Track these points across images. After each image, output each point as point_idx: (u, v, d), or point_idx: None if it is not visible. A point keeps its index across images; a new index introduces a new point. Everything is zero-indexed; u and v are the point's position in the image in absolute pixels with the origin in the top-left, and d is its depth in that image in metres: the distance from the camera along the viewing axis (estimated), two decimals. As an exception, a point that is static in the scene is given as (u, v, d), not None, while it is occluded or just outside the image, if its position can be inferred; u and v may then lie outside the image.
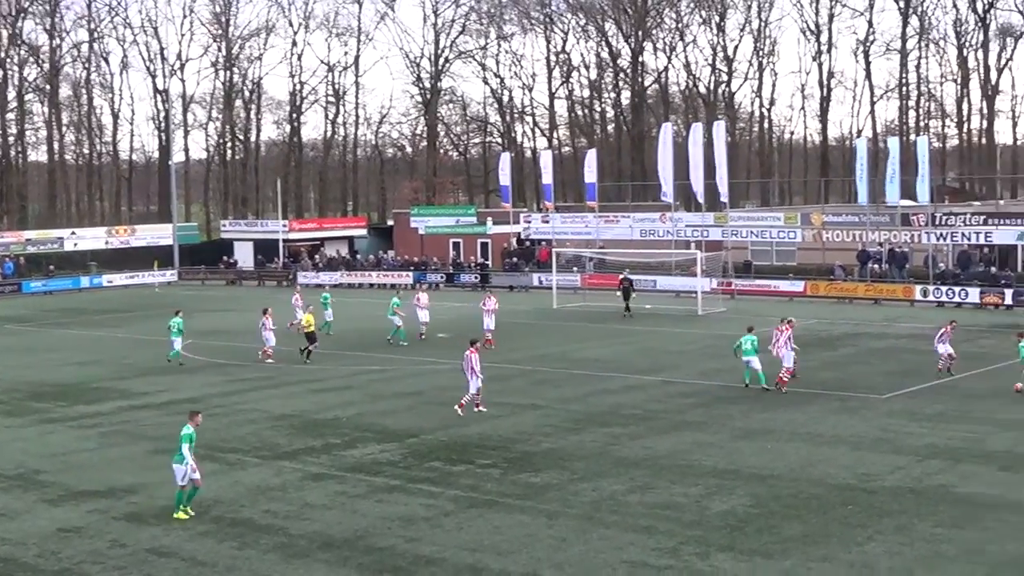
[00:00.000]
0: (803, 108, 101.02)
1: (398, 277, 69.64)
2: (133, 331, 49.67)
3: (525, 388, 32.59)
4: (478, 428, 26.86)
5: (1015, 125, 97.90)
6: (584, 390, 31.87)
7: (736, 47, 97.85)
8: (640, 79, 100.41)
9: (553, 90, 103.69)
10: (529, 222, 68.81)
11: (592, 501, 20.44)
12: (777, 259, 65.13)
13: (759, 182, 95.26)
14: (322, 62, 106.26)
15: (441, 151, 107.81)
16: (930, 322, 42.90)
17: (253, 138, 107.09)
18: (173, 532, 19.11)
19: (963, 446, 24.20)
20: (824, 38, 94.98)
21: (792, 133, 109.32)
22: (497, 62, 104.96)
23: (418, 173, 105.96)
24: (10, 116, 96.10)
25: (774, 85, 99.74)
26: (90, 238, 79.60)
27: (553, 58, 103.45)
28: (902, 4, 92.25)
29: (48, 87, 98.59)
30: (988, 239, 53.88)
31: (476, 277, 68.29)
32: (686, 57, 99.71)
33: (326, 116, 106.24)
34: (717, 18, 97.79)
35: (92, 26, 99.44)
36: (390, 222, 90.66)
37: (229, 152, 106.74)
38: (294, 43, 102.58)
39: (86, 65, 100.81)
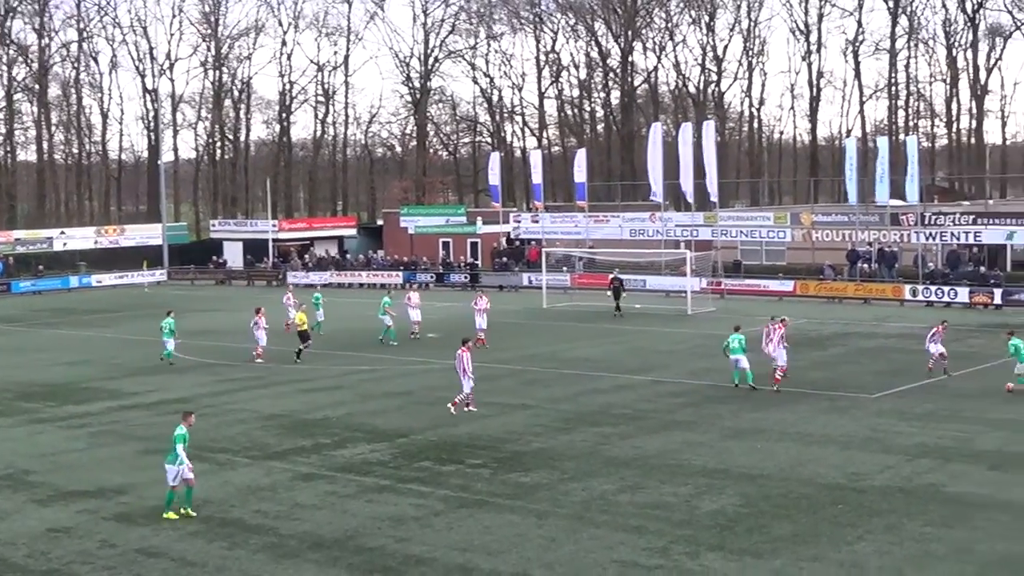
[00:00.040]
0: (792, 108, 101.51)
1: (388, 277, 69.56)
2: (122, 331, 49.57)
3: (515, 388, 32.58)
4: (468, 428, 26.86)
5: (1004, 125, 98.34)
6: (574, 390, 31.88)
7: (726, 47, 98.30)
8: (630, 79, 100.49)
9: (543, 90, 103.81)
10: (519, 222, 68.85)
11: (582, 501, 20.44)
12: (767, 259, 65.23)
13: (749, 182, 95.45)
14: (311, 62, 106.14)
15: (431, 151, 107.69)
16: (919, 322, 43.01)
17: (242, 138, 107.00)
18: (163, 532, 19.08)
19: (953, 445, 24.25)
20: (814, 38, 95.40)
21: (781, 133, 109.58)
22: (487, 62, 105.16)
23: (407, 173, 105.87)
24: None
25: (763, 85, 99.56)
26: (79, 238, 79.43)
27: (543, 58, 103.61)
28: (891, 4, 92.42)
29: (37, 87, 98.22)
30: (977, 239, 54.07)
31: (466, 277, 68.26)
32: (676, 57, 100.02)
33: (315, 116, 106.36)
34: (707, 18, 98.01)
35: (81, 25, 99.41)
36: (380, 222, 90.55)
37: (218, 152, 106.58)
38: (283, 43, 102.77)
39: (75, 65, 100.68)
